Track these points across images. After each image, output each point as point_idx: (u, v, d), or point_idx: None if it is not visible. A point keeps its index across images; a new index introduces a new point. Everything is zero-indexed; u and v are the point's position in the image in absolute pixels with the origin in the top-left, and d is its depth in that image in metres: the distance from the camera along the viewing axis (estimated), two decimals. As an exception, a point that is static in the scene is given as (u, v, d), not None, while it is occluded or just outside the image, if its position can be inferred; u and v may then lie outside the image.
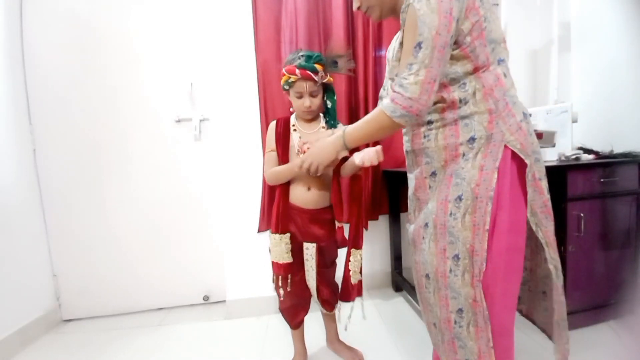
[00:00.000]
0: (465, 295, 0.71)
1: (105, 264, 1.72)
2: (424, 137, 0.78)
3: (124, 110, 1.69)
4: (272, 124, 1.11)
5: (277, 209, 1.08)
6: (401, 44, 0.75)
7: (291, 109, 1.10)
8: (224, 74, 1.61)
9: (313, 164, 0.88)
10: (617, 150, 1.39)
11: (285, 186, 1.09)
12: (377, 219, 1.79)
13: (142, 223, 1.74)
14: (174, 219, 1.76)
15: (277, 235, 1.07)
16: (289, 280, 1.09)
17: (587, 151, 1.37)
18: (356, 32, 1.65)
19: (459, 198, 0.71)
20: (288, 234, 1.08)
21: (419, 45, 0.65)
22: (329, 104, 1.08)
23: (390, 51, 0.93)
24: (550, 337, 0.82)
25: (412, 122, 0.72)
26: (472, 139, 0.71)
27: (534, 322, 0.88)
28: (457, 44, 0.69)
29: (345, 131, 0.82)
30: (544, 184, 0.72)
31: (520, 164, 0.71)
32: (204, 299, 1.82)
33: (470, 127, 0.71)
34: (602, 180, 1.25)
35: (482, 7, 0.69)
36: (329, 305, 1.19)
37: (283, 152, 1.07)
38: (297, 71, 0.98)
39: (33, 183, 1.62)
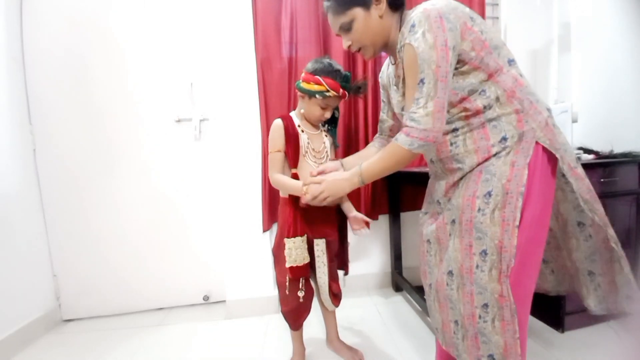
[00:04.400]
0: (491, 290, 0.71)
1: (105, 264, 1.72)
2: (451, 144, 0.80)
3: (123, 110, 1.69)
4: (279, 123, 1.08)
5: (293, 212, 1.05)
6: (402, 78, 0.79)
7: (301, 111, 1.10)
8: (224, 74, 1.61)
9: (326, 198, 0.90)
10: (617, 150, 1.39)
11: None
12: (377, 218, 1.79)
13: (141, 223, 1.74)
14: (174, 218, 1.75)
15: (298, 237, 1.05)
16: (302, 282, 1.08)
17: (587, 151, 1.37)
18: (356, 32, 1.65)
19: (489, 194, 0.72)
20: (305, 235, 1.06)
21: (422, 81, 0.70)
22: (336, 114, 1.16)
23: (384, 77, 0.99)
24: (611, 312, 0.84)
25: (430, 148, 0.76)
26: (503, 139, 0.73)
27: (586, 307, 0.87)
28: (463, 61, 0.73)
29: (361, 169, 0.84)
30: (580, 170, 0.75)
31: (549, 159, 0.73)
32: (204, 299, 1.82)
33: (499, 127, 0.73)
34: (602, 180, 1.25)
35: (474, 24, 0.73)
36: (337, 299, 1.21)
37: (294, 152, 1.07)
38: (341, 91, 1.03)
39: (33, 183, 1.62)
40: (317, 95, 1.02)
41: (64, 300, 1.71)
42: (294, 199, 1.06)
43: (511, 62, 0.76)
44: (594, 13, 1.62)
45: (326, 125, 1.18)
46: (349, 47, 0.86)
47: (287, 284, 1.07)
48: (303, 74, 1.06)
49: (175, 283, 1.78)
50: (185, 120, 1.72)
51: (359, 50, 0.87)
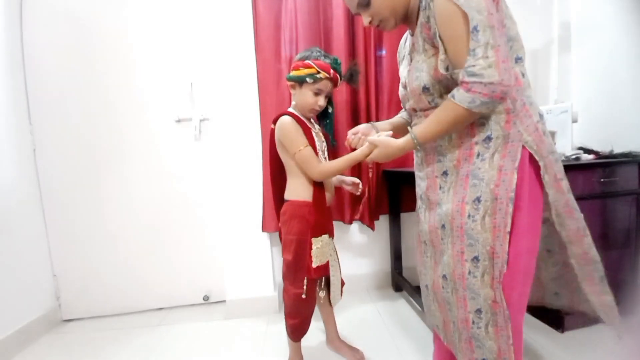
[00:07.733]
0: (484, 296, 0.70)
1: (105, 264, 1.72)
2: None
3: (123, 110, 1.69)
4: (292, 120, 1.02)
5: (319, 210, 1.04)
6: (436, 35, 0.70)
7: (293, 103, 1.07)
8: (224, 74, 1.60)
9: (379, 161, 0.88)
10: (617, 150, 1.39)
11: (322, 188, 1.06)
12: (377, 218, 1.79)
13: (142, 223, 1.74)
14: (174, 218, 1.76)
15: (325, 235, 1.05)
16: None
17: (587, 151, 1.37)
18: (357, 31, 1.65)
19: (478, 199, 0.70)
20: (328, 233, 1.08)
21: (475, 29, 0.61)
22: (330, 109, 1.11)
23: (401, 53, 0.92)
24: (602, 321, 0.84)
25: (494, 107, 0.67)
26: (488, 138, 0.70)
27: (583, 312, 0.86)
28: None
29: (416, 135, 0.76)
30: (565, 183, 0.71)
31: (537, 165, 0.70)
32: (204, 299, 1.82)
33: (486, 126, 0.70)
34: (602, 180, 1.25)
35: (502, 1, 0.68)
36: (342, 291, 1.20)
37: (313, 149, 1.04)
38: (332, 72, 0.99)
39: (33, 183, 1.62)
40: (307, 79, 0.98)
41: (64, 300, 1.71)
42: (322, 196, 1.05)
43: (518, 59, 0.72)
44: (594, 13, 1.62)
45: (321, 122, 1.14)
46: (370, 22, 0.80)
47: (306, 289, 1.03)
48: (292, 65, 1.04)
49: (175, 283, 1.78)
50: (185, 120, 1.72)
51: (379, 24, 0.80)
